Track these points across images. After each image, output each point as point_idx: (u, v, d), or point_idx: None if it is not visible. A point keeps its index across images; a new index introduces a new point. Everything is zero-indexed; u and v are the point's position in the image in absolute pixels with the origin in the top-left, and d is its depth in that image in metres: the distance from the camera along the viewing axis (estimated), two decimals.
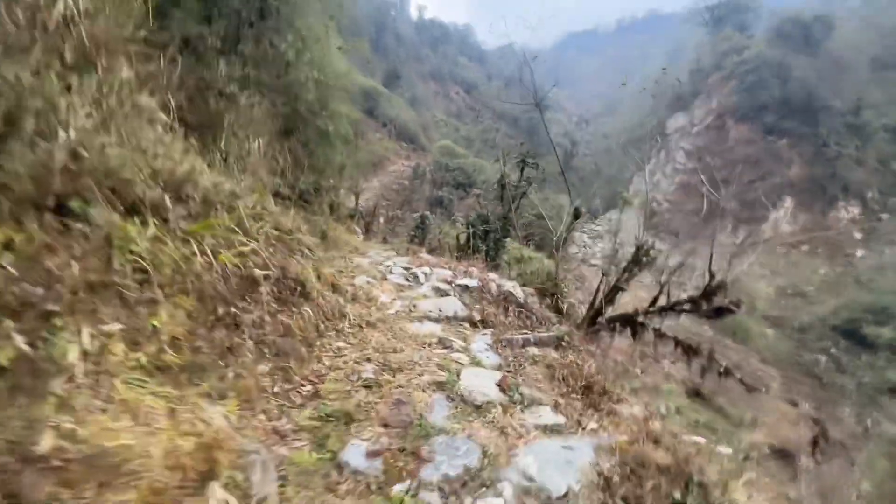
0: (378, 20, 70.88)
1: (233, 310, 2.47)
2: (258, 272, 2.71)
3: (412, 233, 14.27)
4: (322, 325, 3.22)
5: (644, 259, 4.92)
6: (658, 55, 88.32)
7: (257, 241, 2.85)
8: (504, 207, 8.17)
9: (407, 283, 4.76)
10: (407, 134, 45.12)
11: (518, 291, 4.43)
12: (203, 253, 2.38)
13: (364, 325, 3.55)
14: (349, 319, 3.50)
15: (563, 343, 3.56)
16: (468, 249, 7.93)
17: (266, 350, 2.61)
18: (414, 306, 4.09)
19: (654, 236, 42.19)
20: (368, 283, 4.48)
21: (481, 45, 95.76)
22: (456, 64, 75.75)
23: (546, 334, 3.65)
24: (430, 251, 9.76)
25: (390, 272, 4.94)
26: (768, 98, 44.97)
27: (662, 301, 5.90)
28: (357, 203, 22.96)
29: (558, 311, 4.79)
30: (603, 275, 4.98)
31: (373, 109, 44.30)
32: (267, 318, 2.65)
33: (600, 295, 4.91)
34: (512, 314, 4.01)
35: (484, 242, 8.08)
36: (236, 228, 2.74)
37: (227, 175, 3.59)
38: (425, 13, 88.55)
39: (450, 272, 4.92)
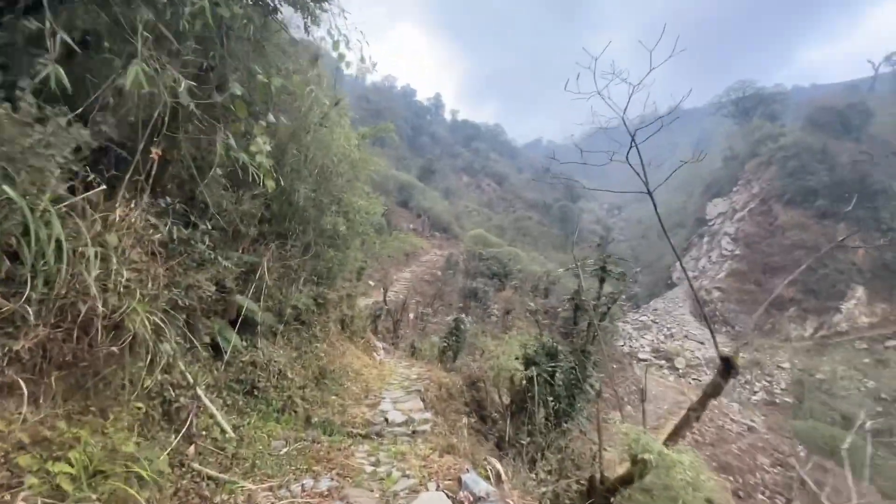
0: (415, 123, 75.51)
1: None
2: None
3: (444, 343, 11.49)
4: None
5: None
6: (685, 145, 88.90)
7: None
8: (579, 339, 5.50)
9: None
10: (440, 223, 44.47)
11: None
12: None
13: None
14: None
15: None
16: (528, 401, 5.16)
17: None
18: None
19: (705, 328, 37.36)
20: None
21: (511, 143, 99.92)
22: (487, 158, 78.10)
23: None
24: (471, 385, 6.94)
25: None
26: (816, 183, 42.08)
27: None
28: (385, 298, 20.74)
29: None
30: None
31: (407, 201, 44.41)
32: None
33: None
34: None
35: (550, 390, 5.27)
36: None
37: None
38: (458, 115, 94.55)
39: None
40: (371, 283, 25.56)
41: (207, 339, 4.22)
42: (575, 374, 5.30)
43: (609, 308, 5.73)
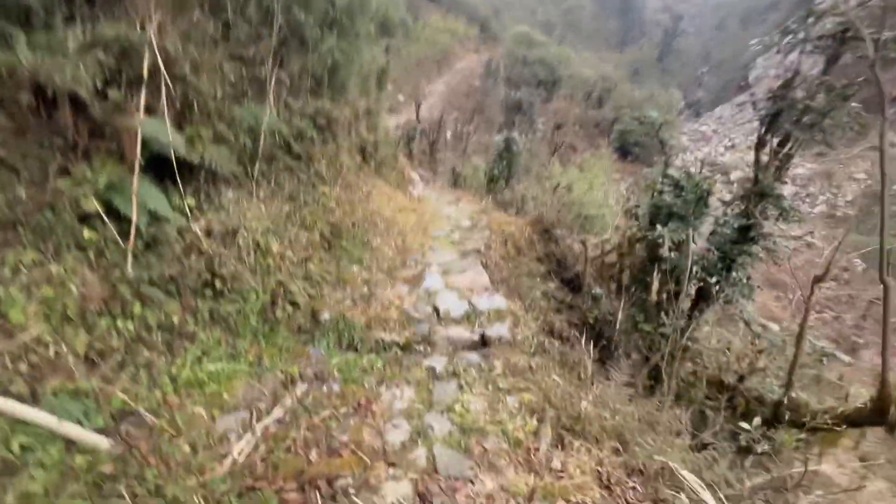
0: None
1: None
2: None
3: (493, 169, 9.20)
4: None
5: None
6: None
7: None
8: (766, 175, 3.01)
9: None
10: (476, 19, 36.25)
11: None
12: None
13: None
14: None
15: None
16: (651, 273, 3.12)
17: None
18: None
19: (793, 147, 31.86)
20: None
21: None
22: None
23: None
24: (544, 233, 4.94)
25: None
26: None
27: None
28: (418, 116, 17.65)
29: None
30: None
31: None
32: None
33: None
34: None
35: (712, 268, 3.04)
36: None
37: None
38: None
39: None
40: (401, 97, 21.95)
41: (92, 209, 2.18)
42: (741, 233, 3.08)
43: (828, 113, 3.08)
